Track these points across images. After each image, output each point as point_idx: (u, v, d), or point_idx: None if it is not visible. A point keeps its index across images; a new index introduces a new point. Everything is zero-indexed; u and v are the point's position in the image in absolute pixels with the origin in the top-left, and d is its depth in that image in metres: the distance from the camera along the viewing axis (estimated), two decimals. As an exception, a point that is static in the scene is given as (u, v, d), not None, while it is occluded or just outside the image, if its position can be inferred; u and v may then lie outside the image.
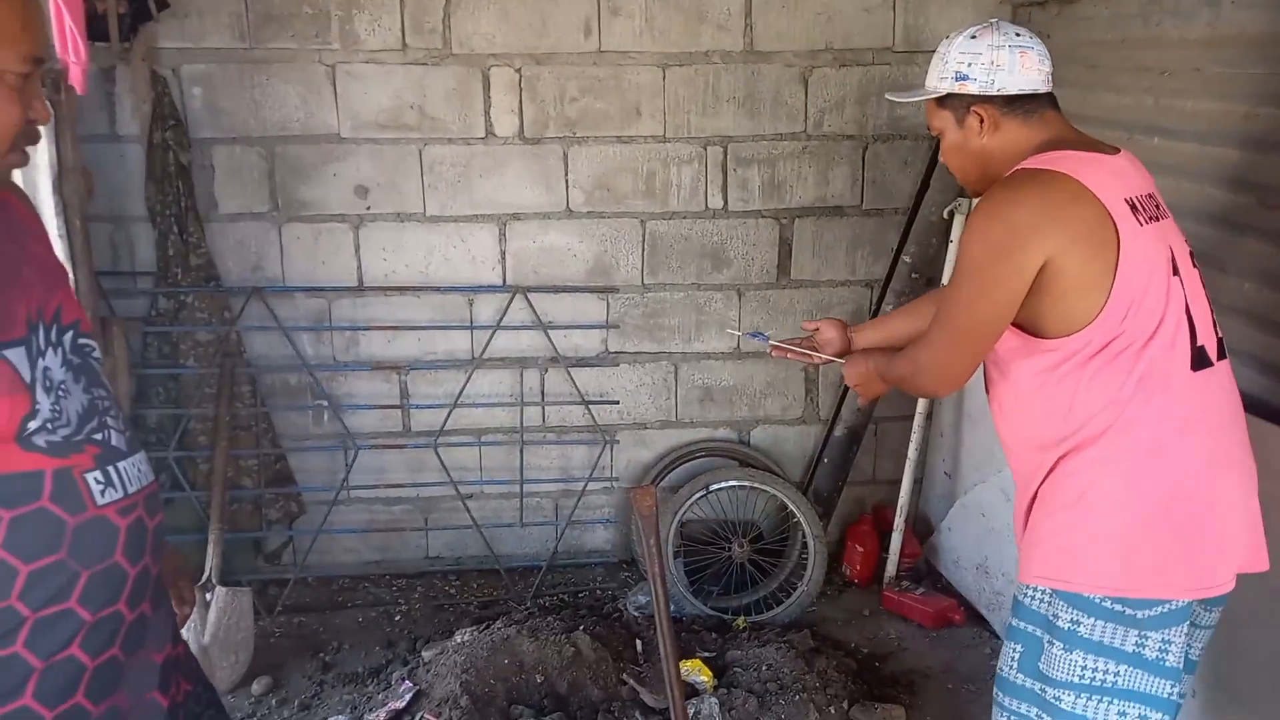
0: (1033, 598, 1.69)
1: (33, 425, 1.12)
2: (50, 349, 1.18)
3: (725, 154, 3.24)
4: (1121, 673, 1.62)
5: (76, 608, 1.15)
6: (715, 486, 3.22)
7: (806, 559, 3.20)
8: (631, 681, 2.62)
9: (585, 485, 3.36)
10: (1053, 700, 1.67)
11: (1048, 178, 1.60)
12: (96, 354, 1.28)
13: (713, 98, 3.18)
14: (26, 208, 1.31)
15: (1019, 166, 1.64)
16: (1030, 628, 1.70)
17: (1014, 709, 1.73)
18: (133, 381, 3.06)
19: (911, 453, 3.26)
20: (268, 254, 3.17)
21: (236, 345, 3.15)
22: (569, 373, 3.31)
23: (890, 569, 3.30)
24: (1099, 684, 1.63)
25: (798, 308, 3.37)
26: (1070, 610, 1.64)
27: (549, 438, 3.39)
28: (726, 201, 3.28)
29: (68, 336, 1.22)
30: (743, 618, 3.09)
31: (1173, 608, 1.60)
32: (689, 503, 3.20)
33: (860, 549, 3.38)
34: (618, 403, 3.38)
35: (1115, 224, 1.57)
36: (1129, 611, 1.61)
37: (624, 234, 3.27)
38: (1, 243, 1.19)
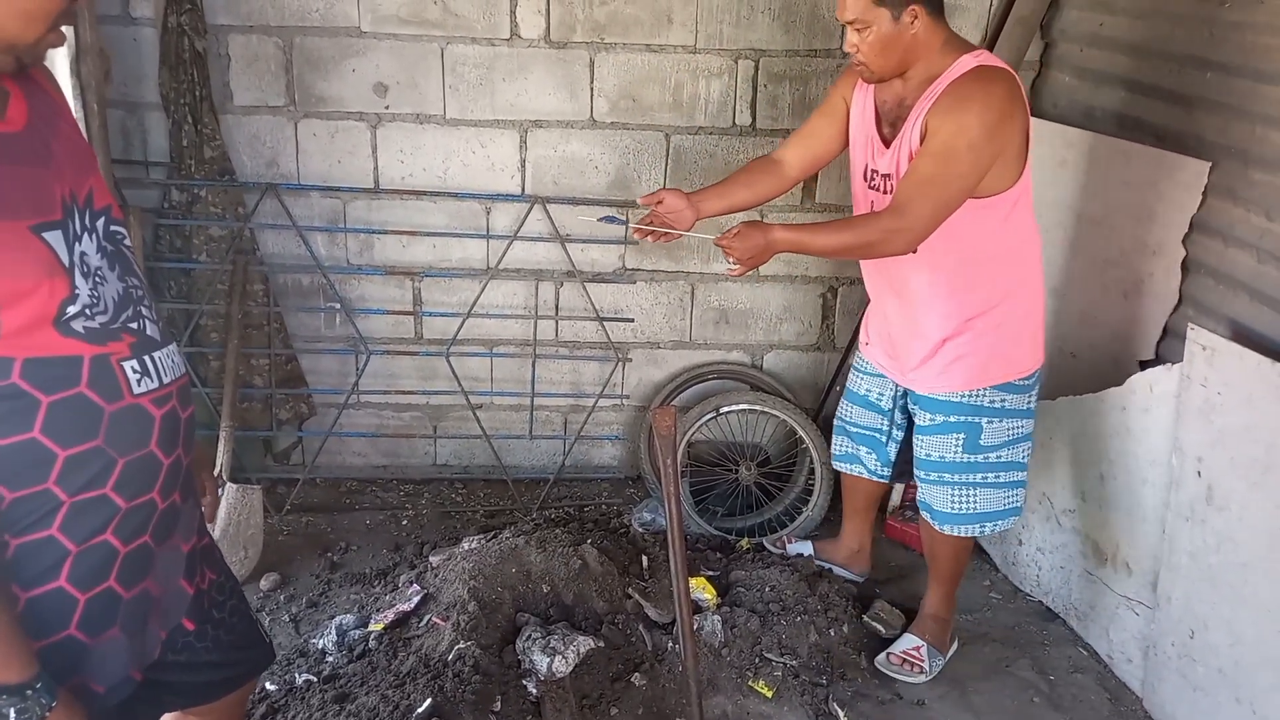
0: (977, 396, 2.34)
1: (71, 310, 1.09)
2: (86, 234, 1.14)
3: (757, 68, 3.14)
4: (1024, 424, 2.41)
5: (111, 494, 1.15)
6: (726, 409, 3.21)
7: (813, 485, 3.22)
8: (636, 595, 2.65)
9: (596, 402, 3.35)
10: (996, 460, 2.40)
11: (1009, 74, 2.10)
12: (128, 241, 1.25)
13: (747, 8, 3.07)
14: (54, 89, 1.26)
15: (979, 64, 2.09)
16: (972, 419, 2.36)
17: (966, 480, 2.42)
18: (144, 274, 3.02)
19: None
20: (283, 150, 3.09)
21: (250, 242, 3.10)
22: (584, 288, 3.27)
23: (894, 498, 3.31)
24: (1015, 437, 2.41)
25: (820, 233, 3.31)
26: (1001, 395, 2.35)
27: (561, 352, 3.37)
28: (755, 119, 3.19)
29: (100, 222, 1.19)
30: (747, 539, 3.11)
31: (1040, 371, 2.39)
32: (699, 424, 3.20)
33: (866, 477, 3.39)
34: (632, 320, 3.35)
35: (1028, 107, 2.13)
36: (1027, 382, 2.37)
37: (648, 147, 3.19)
38: (34, 123, 1.15)
